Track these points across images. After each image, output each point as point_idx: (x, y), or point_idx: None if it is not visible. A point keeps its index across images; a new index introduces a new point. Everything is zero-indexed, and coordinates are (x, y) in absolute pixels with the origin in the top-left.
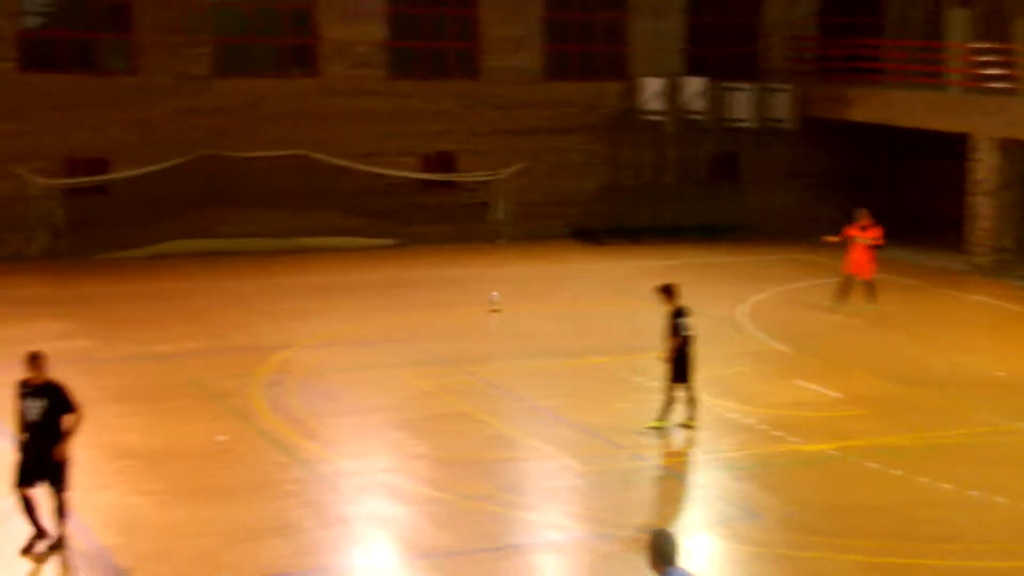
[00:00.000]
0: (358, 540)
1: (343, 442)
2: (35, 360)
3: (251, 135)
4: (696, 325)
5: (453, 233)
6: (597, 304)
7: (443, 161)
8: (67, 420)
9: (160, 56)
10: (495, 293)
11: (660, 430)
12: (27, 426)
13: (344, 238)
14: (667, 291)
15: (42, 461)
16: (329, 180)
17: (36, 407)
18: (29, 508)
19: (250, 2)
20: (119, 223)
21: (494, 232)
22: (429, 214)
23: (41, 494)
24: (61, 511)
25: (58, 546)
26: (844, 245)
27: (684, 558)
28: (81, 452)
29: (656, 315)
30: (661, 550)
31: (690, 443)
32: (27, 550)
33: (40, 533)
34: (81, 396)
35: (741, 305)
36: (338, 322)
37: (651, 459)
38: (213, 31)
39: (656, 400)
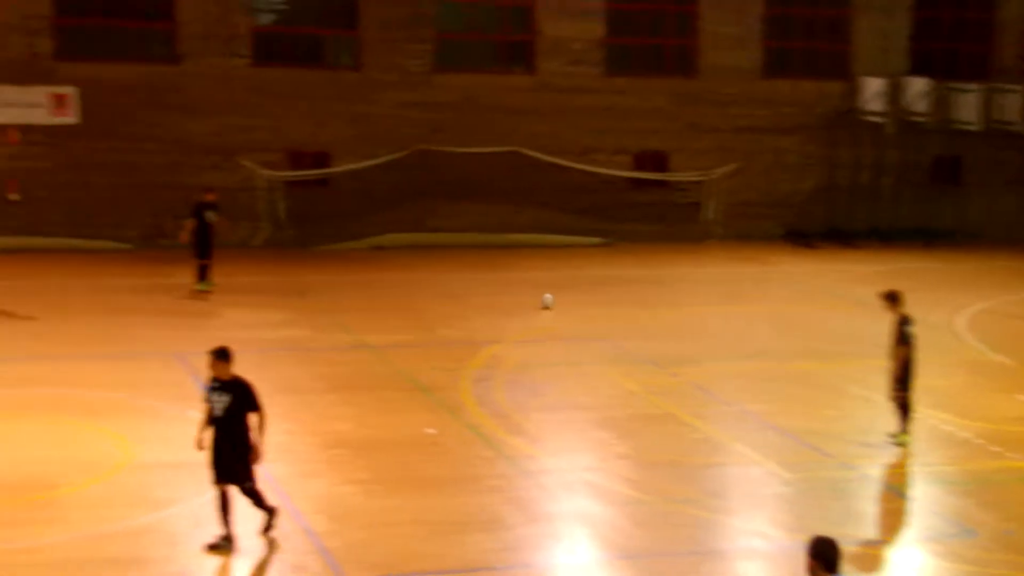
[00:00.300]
0: (561, 538)
1: (548, 439)
2: (222, 356)
3: (467, 130)
4: (917, 333)
5: (663, 232)
6: (808, 308)
7: (656, 159)
8: (251, 419)
9: (383, 52)
10: (548, 295)
11: (905, 444)
12: (211, 421)
13: (553, 235)
14: (892, 298)
15: (225, 458)
16: (541, 176)
17: (221, 403)
18: (223, 506)
19: None
20: (338, 215)
21: (705, 232)
22: (640, 212)
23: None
24: (256, 502)
25: (267, 528)
26: None
27: (846, 566)
28: (297, 439)
29: (868, 321)
30: (825, 557)
31: (903, 454)
32: (213, 547)
33: (228, 537)
34: (297, 385)
35: (959, 313)
36: (545, 318)
37: (861, 469)
38: (435, 27)
39: (868, 408)
